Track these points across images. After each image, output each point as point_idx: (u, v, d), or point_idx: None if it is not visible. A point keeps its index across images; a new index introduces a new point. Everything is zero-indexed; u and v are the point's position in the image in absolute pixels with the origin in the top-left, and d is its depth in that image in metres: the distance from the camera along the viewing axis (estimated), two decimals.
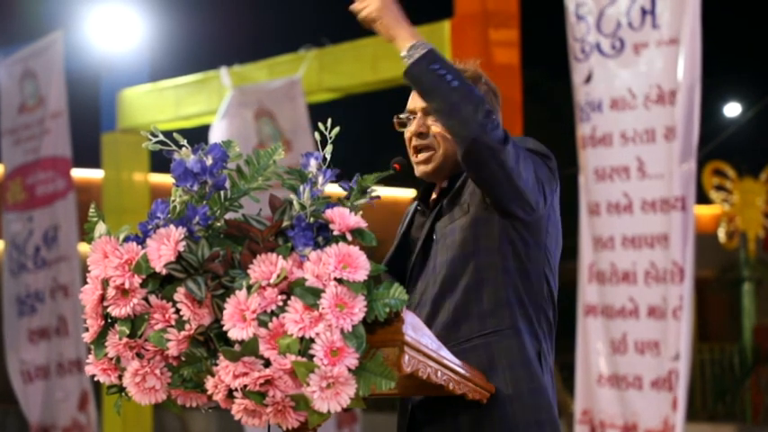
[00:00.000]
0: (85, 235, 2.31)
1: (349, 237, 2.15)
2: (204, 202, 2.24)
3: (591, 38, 6.02)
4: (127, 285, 2.18)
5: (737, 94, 19.11)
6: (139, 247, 2.21)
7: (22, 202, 8.95)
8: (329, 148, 2.28)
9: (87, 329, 2.26)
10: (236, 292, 2.12)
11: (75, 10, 9.70)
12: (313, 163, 2.25)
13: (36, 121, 8.86)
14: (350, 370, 2.08)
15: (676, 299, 5.62)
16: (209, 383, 2.15)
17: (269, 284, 2.11)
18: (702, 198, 12.30)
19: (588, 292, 6.04)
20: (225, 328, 2.12)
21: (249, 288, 2.11)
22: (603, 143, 5.97)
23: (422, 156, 2.76)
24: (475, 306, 2.63)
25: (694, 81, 5.65)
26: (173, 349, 2.18)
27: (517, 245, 2.65)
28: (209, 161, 2.23)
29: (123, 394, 2.28)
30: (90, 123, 9.88)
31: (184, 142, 2.26)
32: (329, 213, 2.17)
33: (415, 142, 2.77)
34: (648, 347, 5.74)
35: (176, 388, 2.23)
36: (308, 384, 2.07)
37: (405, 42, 2.57)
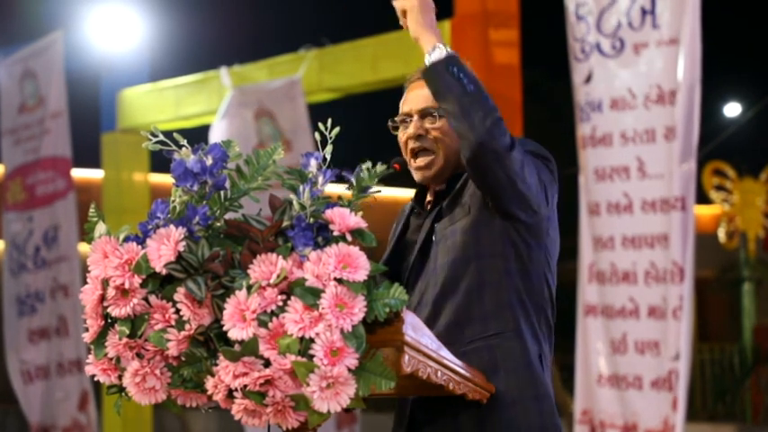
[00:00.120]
0: (85, 235, 2.31)
1: (349, 237, 2.15)
2: (204, 202, 2.24)
3: (591, 38, 6.02)
4: (127, 285, 2.18)
5: (737, 94, 19.11)
6: (139, 247, 2.21)
7: (22, 202, 8.94)
8: (329, 148, 2.28)
9: (87, 329, 2.26)
10: (236, 292, 2.12)
11: (75, 10, 9.70)
12: (313, 163, 2.25)
13: (36, 121, 8.86)
14: (350, 370, 2.08)
15: (676, 299, 5.62)
16: (209, 383, 2.16)
17: (269, 284, 2.11)
18: (702, 198, 12.30)
19: (588, 292, 6.03)
20: (225, 328, 2.12)
21: (249, 288, 2.11)
22: (603, 143, 5.97)
23: (421, 161, 2.76)
24: (477, 308, 2.63)
25: (694, 81, 5.64)
26: (173, 349, 2.18)
27: (519, 247, 2.66)
28: (209, 161, 2.23)
29: (123, 394, 2.28)
30: (90, 123, 9.88)
31: (184, 142, 2.26)
32: (329, 213, 2.17)
33: (412, 145, 2.76)
34: (648, 347, 5.74)
35: (176, 388, 2.23)
36: (308, 384, 2.07)
37: (429, 43, 2.61)
